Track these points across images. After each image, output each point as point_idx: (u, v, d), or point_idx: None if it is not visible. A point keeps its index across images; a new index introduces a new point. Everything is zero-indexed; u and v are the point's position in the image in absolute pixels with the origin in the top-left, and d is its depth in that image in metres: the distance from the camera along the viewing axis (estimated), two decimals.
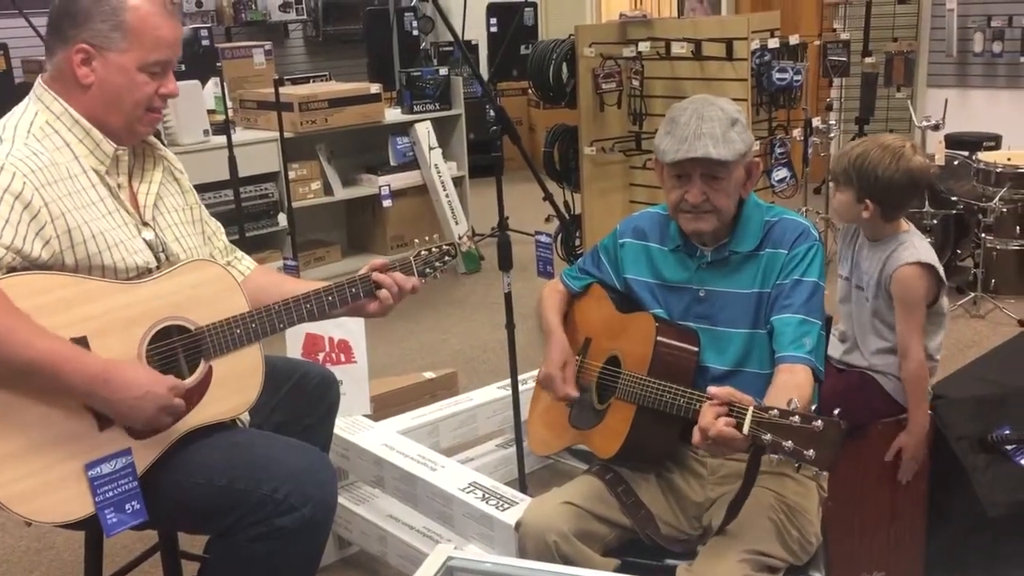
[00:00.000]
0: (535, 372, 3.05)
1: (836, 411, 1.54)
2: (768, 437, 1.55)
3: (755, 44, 3.82)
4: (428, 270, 2.13)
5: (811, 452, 1.51)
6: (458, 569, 1.48)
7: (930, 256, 2.35)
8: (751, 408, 1.60)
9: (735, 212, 1.97)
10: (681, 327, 1.98)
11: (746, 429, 1.58)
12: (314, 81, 6.37)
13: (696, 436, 1.65)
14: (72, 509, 1.65)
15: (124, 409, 1.66)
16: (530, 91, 7.78)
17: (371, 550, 2.66)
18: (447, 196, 5.52)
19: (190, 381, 1.78)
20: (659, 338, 1.92)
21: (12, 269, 1.65)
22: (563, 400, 2.09)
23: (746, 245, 1.97)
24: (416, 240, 2.21)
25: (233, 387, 1.84)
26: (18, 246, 1.64)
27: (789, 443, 1.53)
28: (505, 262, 2.61)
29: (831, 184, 2.50)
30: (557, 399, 2.09)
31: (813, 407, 1.96)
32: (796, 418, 1.54)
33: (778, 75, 4.01)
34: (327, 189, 5.34)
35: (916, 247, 2.35)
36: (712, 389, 1.67)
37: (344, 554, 2.81)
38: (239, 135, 5.01)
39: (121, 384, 1.64)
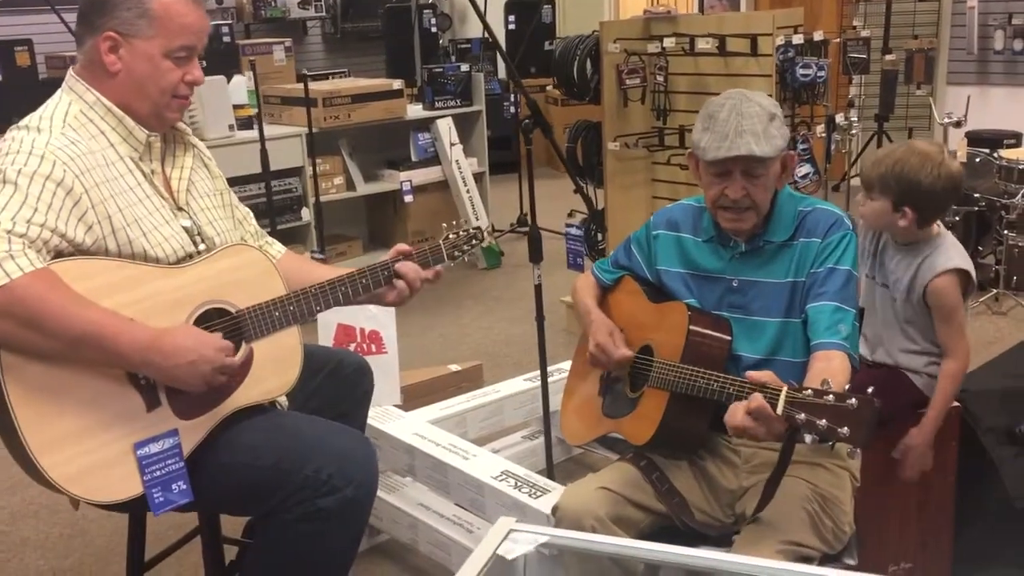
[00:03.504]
0: (561, 364, 3.10)
1: (870, 389, 1.56)
2: (803, 416, 1.58)
3: (779, 40, 3.82)
4: (457, 253, 2.18)
5: (845, 430, 1.53)
6: (522, 541, 1.50)
7: (964, 260, 2.33)
8: (785, 388, 1.62)
9: (769, 203, 1.99)
10: (713, 316, 2.00)
11: (780, 409, 1.60)
12: (333, 77, 6.41)
13: (734, 414, 1.66)
14: (122, 488, 1.68)
15: (181, 373, 1.68)
16: (548, 88, 7.85)
17: (401, 538, 2.69)
18: (468, 192, 5.56)
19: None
20: (692, 327, 1.94)
21: (59, 253, 1.69)
22: (618, 365, 2.07)
23: (780, 235, 1.99)
24: (444, 224, 2.24)
25: (273, 369, 1.88)
26: (62, 230, 1.68)
27: (823, 421, 1.55)
28: (536, 254, 2.63)
29: (862, 192, 2.43)
30: (614, 361, 2.07)
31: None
32: (830, 396, 1.56)
33: (802, 71, 4.01)
34: (349, 184, 5.38)
35: (949, 252, 2.33)
36: (749, 372, 1.69)
37: (374, 542, 2.84)
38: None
39: (172, 349, 1.67)
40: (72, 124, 1.80)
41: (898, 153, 2.34)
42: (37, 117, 1.81)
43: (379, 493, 2.70)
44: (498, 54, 8.33)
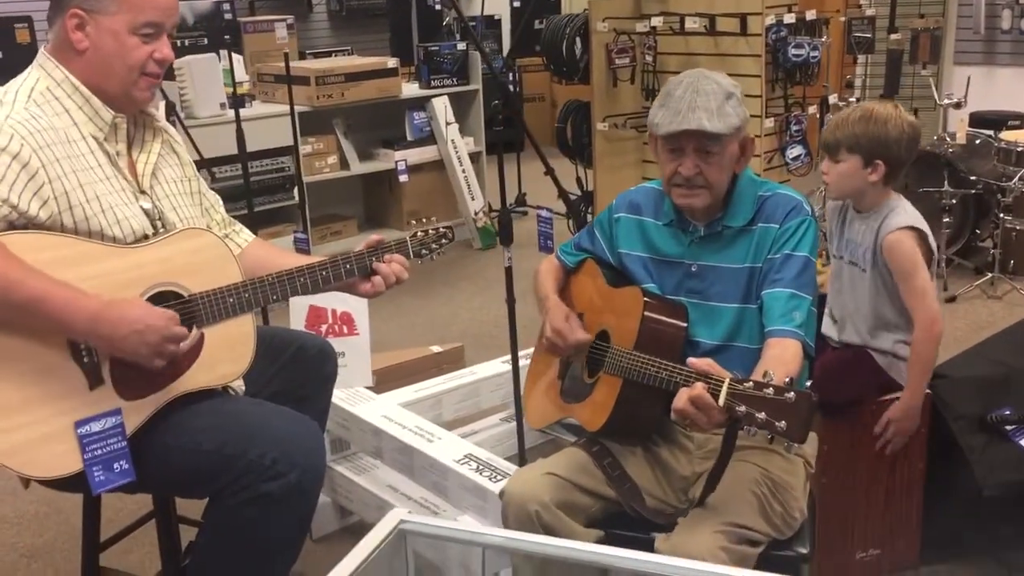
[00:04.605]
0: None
1: (808, 383, 1.54)
2: (743, 409, 1.56)
3: (770, 19, 3.77)
4: (424, 251, 2.14)
5: (783, 424, 1.52)
6: (411, 533, 1.49)
7: (919, 221, 2.35)
8: (727, 380, 1.60)
9: (729, 187, 1.97)
10: (669, 301, 1.98)
11: (722, 400, 1.59)
12: (336, 55, 6.39)
13: (678, 400, 1.64)
14: (60, 464, 1.69)
15: (128, 344, 1.68)
16: (549, 67, 7.80)
17: (370, 519, 2.69)
18: (463, 172, 5.53)
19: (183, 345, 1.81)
20: (647, 313, 1.92)
21: (11, 225, 1.69)
22: (577, 346, 2.04)
23: (739, 220, 1.96)
24: (430, 219, 2.22)
25: (224, 355, 1.87)
26: (14, 202, 1.67)
27: (762, 415, 1.54)
28: (506, 237, 2.61)
29: (825, 159, 2.45)
30: (570, 345, 2.04)
31: (808, 382, 1.96)
32: (770, 390, 1.55)
33: (794, 51, 3.97)
34: (343, 163, 5.36)
35: (907, 212, 2.36)
36: (691, 360, 1.67)
37: (345, 523, 2.86)
38: (256, 108, 5.04)
39: (120, 319, 1.68)
40: (37, 100, 1.80)
41: (858, 113, 2.38)
42: (2, 91, 1.81)
43: (350, 474, 2.73)
44: (499, 32, 8.28)
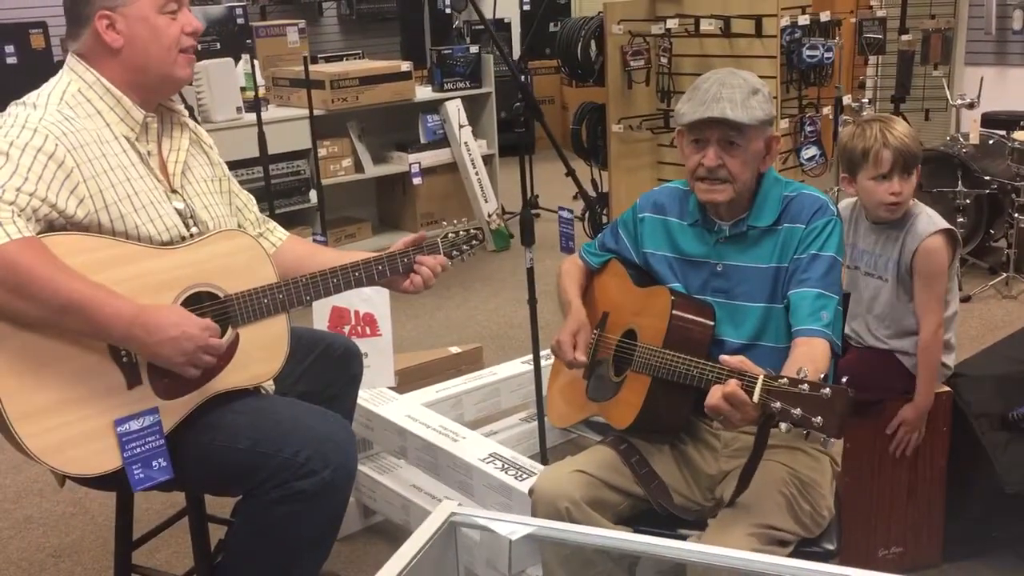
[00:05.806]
0: None
1: (844, 379, 1.56)
2: (778, 405, 1.58)
3: (785, 21, 3.79)
4: (455, 252, 2.17)
5: (819, 419, 1.54)
6: (461, 525, 1.52)
7: (944, 221, 2.36)
8: (762, 376, 1.62)
9: (754, 187, 1.99)
10: (696, 301, 2.00)
11: (756, 397, 1.60)
12: (347, 59, 6.41)
13: (712, 395, 1.66)
14: (100, 463, 1.71)
15: (163, 350, 1.70)
16: (564, 69, 7.83)
17: (395, 519, 2.71)
18: (477, 174, 5.55)
19: None
20: (674, 311, 1.94)
21: (51, 224, 1.71)
22: (571, 366, 2.10)
23: (764, 220, 1.98)
24: (444, 221, 2.24)
25: (259, 356, 1.90)
26: (53, 200, 1.69)
27: (798, 411, 1.56)
28: (528, 237, 2.64)
29: (895, 178, 2.33)
30: (565, 365, 2.11)
31: (844, 379, 1.97)
32: (805, 386, 1.56)
33: (808, 52, 3.98)
34: (358, 166, 5.39)
35: (931, 216, 2.37)
36: (724, 358, 1.69)
37: (369, 523, 2.87)
38: (271, 113, 5.08)
39: (156, 325, 1.69)
40: (69, 102, 1.82)
41: (901, 126, 2.36)
42: (35, 94, 1.84)
43: (374, 474, 2.75)
44: (510, 35, 8.31)
